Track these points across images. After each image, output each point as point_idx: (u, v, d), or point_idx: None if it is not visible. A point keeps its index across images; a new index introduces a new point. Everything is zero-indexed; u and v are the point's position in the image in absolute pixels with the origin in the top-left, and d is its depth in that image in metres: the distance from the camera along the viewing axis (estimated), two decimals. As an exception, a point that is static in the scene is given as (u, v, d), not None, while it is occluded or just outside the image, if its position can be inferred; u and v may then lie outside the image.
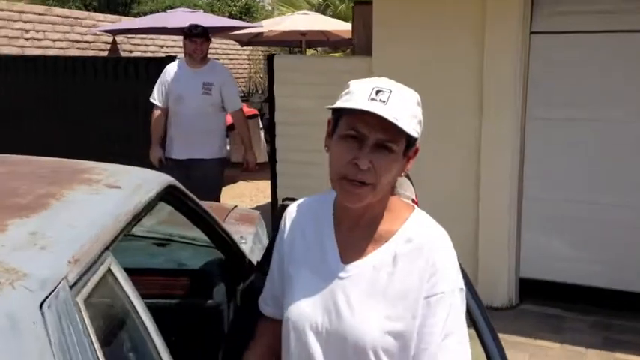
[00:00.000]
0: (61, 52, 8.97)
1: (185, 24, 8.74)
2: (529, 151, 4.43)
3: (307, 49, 11.61)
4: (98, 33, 9.80)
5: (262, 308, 1.55)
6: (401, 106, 1.24)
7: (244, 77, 15.24)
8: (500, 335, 3.96)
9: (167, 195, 1.86)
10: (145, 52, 11.10)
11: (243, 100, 10.71)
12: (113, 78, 6.66)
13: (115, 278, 1.24)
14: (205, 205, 3.39)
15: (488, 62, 4.29)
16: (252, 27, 9.69)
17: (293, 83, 5.05)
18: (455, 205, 4.51)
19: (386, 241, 1.33)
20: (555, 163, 4.40)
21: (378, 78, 1.29)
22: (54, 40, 9.14)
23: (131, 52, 10.71)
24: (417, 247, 1.31)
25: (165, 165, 5.08)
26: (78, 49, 9.53)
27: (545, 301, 4.43)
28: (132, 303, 1.25)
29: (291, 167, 5.13)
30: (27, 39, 8.68)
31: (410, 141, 1.28)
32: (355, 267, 1.33)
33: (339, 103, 1.27)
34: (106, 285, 1.20)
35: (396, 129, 1.21)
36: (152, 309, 2.33)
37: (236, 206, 3.61)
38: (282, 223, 1.49)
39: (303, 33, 9.60)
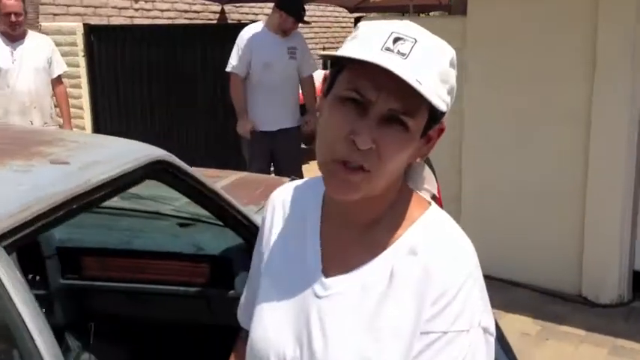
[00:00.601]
0: (169, 22, 9.07)
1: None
2: (651, 124, 3.74)
3: (421, 14, 11.00)
4: (206, 2, 9.82)
5: (240, 319, 1.18)
6: (428, 63, 0.87)
7: (357, 46, 14.83)
8: (603, 337, 3.44)
9: (155, 172, 1.60)
10: (253, 20, 10.99)
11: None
12: (221, 45, 6.57)
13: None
14: (254, 177, 3.14)
15: (603, 16, 3.64)
16: (355, -9, 9.25)
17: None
18: (557, 185, 3.94)
19: (383, 251, 0.95)
20: (684, 139, 3.69)
21: (400, 21, 0.91)
22: (162, 10, 9.26)
23: (239, 21, 10.67)
24: (421, 261, 0.92)
25: (252, 137, 4.88)
26: (186, 18, 9.60)
27: (665, 301, 3.78)
28: (17, 311, 0.98)
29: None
30: (136, 9, 8.83)
31: (434, 115, 0.91)
32: (339, 284, 0.96)
33: (339, 51, 0.89)
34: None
35: (417, 96, 0.84)
36: (167, 296, 2.14)
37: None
38: (265, 213, 1.12)
39: (411, -4, 9.01)
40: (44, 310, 2.21)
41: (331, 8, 12.92)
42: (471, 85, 4.10)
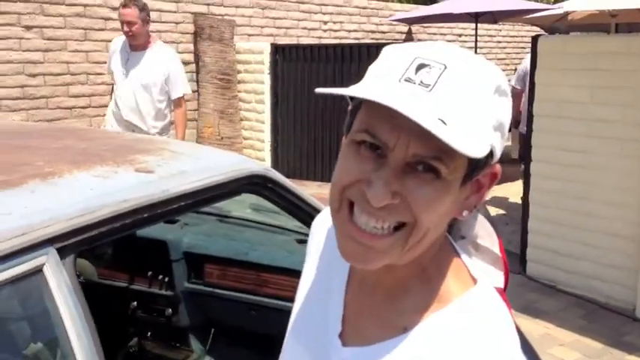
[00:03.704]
0: (355, 42, 9.29)
1: (474, 9, 8.31)
2: None
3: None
4: (393, 22, 9.92)
5: None
6: (461, 94, 0.69)
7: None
8: None
9: (252, 186, 1.59)
10: (441, 40, 10.89)
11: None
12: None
13: (45, 281, 1.02)
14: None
15: None
16: (548, 9, 8.70)
17: (558, 69, 4.29)
18: None
19: (405, 332, 0.77)
20: None
21: (432, 43, 0.75)
22: (349, 31, 9.52)
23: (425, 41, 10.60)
24: (438, 355, 0.74)
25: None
26: (372, 39, 9.76)
27: None
28: (59, 315, 1.01)
29: (548, 168, 4.39)
30: (324, 30, 9.19)
31: (478, 159, 0.71)
32: (355, 357, 0.81)
33: (351, 89, 0.70)
34: (17, 288, 0.99)
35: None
36: (282, 312, 2.12)
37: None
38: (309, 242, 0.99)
39: (613, 14, 8.26)
40: (170, 310, 2.35)
41: (527, 28, 12.33)
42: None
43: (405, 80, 0.69)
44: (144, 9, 4.19)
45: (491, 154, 0.73)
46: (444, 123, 0.66)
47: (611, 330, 3.62)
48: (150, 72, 4.23)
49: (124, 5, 4.17)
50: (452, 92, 0.69)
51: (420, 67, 0.70)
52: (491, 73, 0.73)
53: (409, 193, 0.69)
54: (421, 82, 0.69)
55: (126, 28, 4.13)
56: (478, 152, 0.68)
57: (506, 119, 0.75)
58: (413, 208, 0.70)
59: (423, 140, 0.67)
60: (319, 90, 0.71)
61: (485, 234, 0.86)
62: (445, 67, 0.69)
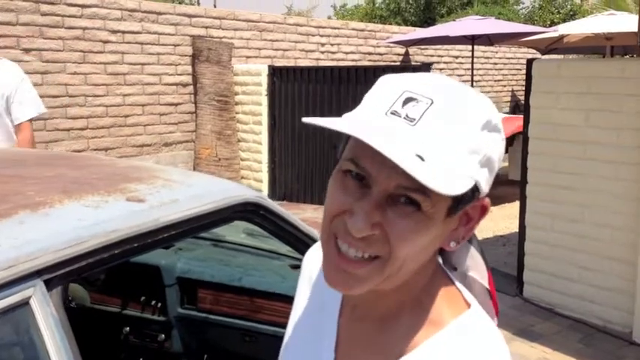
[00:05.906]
0: (353, 64, 9.35)
1: (470, 32, 8.40)
2: None
3: (621, 57, 10.12)
4: (390, 45, 9.99)
5: None
6: (444, 130, 0.69)
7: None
8: None
9: (244, 213, 1.60)
10: (438, 62, 10.97)
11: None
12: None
13: (31, 313, 1.02)
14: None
15: None
16: (543, 32, 8.79)
17: (552, 92, 4.32)
18: None
19: (397, 359, 0.77)
20: None
21: (425, 75, 0.75)
22: (347, 53, 9.58)
23: (423, 63, 10.67)
24: None
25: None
26: (369, 60, 9.83)
27: None
28: (45, 348, 1.01)
29: (544, 190, 4.39)
30: (322, 52, 9.25)
31: (463, 193, 0.71)
32: None
33: (334, 121, 0.70)
34: (3, 320, 0.99)
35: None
36: (275, 338, 2.11)
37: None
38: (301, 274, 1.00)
39: (608, 37, 8.35)
40: (163, 336, 2.34)
41: (523, 50, 12.43)
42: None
43: (391, 113, 0.70)
44: None
45: (477, 188, 0.73)
46: (422, 159, 0.67)
47: (608, 354, 3.60)
48: None
49: None
50: (435, 127, 0.69)
51: (408, 100, 0.71)
52: (480, 108, 0.73)
53: (388, 224, 0.70)
54: (406, 115, 0.70)
55: None
56: (455, 190, 0.68)
57: (496, 154, 0.75)
58: (390, 240, 0.71)
59: (403, 173, 0.67)
60: (306, 119, 0.72)
61: (475, 266, 0.87)
62: (432, 102, 0.70)
